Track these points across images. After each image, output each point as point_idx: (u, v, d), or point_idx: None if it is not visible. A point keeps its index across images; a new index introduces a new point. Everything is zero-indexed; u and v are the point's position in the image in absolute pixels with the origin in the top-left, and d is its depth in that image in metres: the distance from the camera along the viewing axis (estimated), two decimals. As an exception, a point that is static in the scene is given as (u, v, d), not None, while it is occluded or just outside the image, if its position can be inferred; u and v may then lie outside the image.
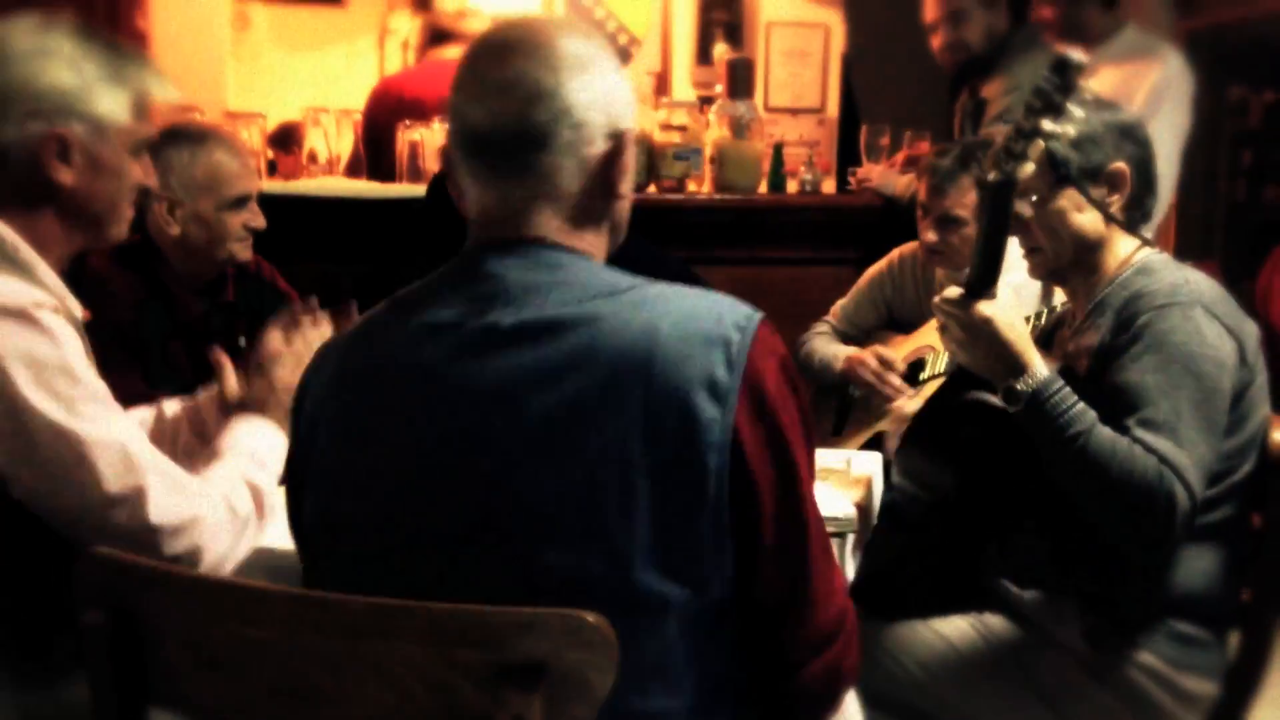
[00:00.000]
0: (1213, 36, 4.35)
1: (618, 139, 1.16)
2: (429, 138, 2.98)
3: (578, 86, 1.12)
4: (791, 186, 3.52)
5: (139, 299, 2.18)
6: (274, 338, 1.74)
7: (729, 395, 1.03)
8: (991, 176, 1.59)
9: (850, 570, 1.88)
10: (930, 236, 2.55)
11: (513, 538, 1.04)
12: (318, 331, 1.75)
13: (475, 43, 1.18)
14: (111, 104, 1.45)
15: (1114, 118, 1.76)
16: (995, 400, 1.67)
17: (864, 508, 1.99)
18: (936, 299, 1.71)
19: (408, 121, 3.01)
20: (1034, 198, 1.72)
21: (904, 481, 1.87)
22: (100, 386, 1.40)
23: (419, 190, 2.79)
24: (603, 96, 1.14)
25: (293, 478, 1.24)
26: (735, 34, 4.77)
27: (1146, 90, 3.09)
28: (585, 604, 0.95)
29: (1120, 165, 1.73)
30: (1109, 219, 1.74)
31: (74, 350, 1.38)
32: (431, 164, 2.97)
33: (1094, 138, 1.71)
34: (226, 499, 1.46)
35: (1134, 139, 1.76)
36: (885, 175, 3.29)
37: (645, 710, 1.06)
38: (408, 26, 5.19)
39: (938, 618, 1.82)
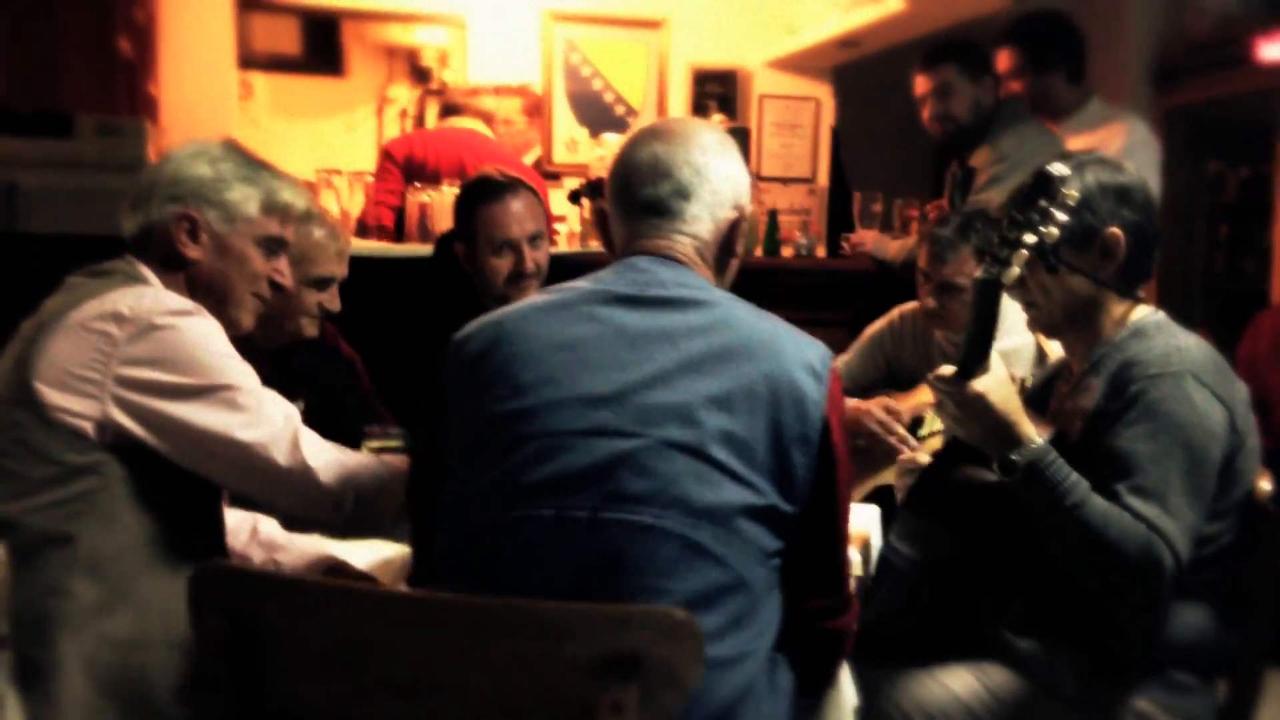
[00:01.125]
0: (1190, 114, 4.48)
1: (740, 210, 1.54)
2: (438, 199, 3.07)
3: (717, 164, 1.51)
4: (785, 252, 3.61)
5: None
6: None
7: (823, 382, 1.40)
8: (979, 275, 1.67)
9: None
10: (930, 302, 2.63)
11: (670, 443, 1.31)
12: None
13: (640, 131, 1.56)
14: (240, 196, 1.72)
15: (1112, 179, 1.81)
16: (989, 474, 1.72)
17: (864, 558, 2.04)
18: (931, 376, 1.76)
19: (418, 184, 3.10)
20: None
21: (903, 544, 1.92)
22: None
23: (426, 249, 2.87)
24: (733, 177, 1.53)
25: (431, 445, 1.45)
26: (728, 106, 4.89)
27: (1114, 155, 3.22)
28: (719, 523, 1.28)
29: (1115, 231, 1.78)
30: (1100, 284, 1.81)
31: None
32: (440, 224, 3.05)
33: (1090, 203, 1.77)
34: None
35: (1131, 202, 1.81)
36: (879, 240, 3.40)
37: (742, 650, 1.29)
38: (406, 96, 5.33)
39: (939, 667, 1.87)
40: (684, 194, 1.48)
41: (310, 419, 1.76)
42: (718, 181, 1.49)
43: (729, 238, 1.52)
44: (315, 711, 1.12)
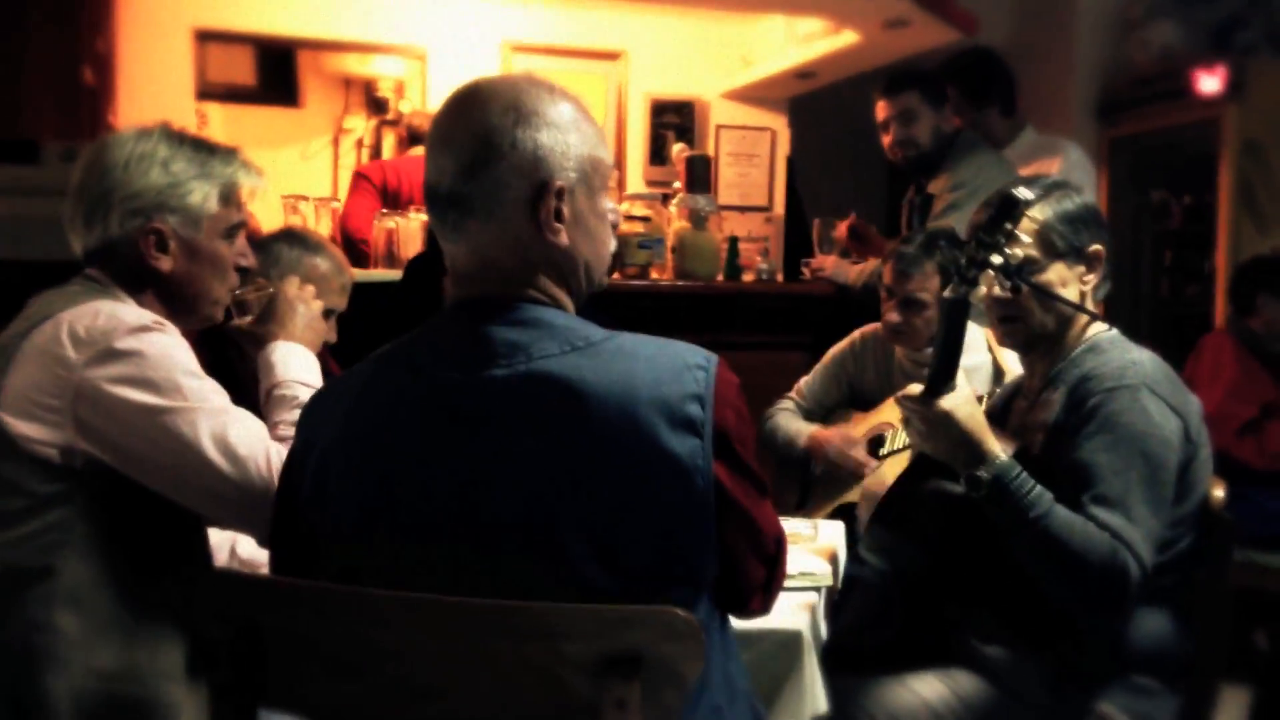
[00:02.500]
0: (1134, 144, 4.60)
1: (576, 177, 1.25)
2: (404, 226, 3.09)
3: (523, 140, 1.21)
4: (746, 277, 3.67)
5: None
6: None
7: (704, 426, 1.17)
8: (948, 294, 1.72)
9: (824, 628, 1.96)
10: (894, 318, 2.69)
11: (540, 562, 1.14)
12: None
13: (438, 110, 1.29)
14: (200, 196, 1.64)
15: (1089, 201, 1.90)
16: (956, 488, 1.77)
17: (833, 569, 2.08)
18: (899, 395, 1.80)
19: (384, 210, 3.12)
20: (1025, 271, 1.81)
21: (873, 557, 1.97)
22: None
23: (394, 274, 2.89)
24: (550, 142, 1.23)
25: (294, 522, 1.27)
26: (686, 136, 4.96)
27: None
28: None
29: (1098, 248, 1.87)
30: (1077, 308, 1.86)
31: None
32: (407, 250, 3.08)
33: (1084, 218, 1.85)
34: None
35: (1102, 223, 1.91)
36: (838, 265, 3.47)
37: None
38: (362, 127, 5.35)
39: (909, 674, 1.90)
40: (479, 169, 1.20)
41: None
42: (526, 155, 1.20)
43: (554, 221, 1.22)
44: (323, 716, 1.13)
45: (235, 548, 1.85)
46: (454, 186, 1.21)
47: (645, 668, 1.04)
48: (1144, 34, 4.44)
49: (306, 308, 1.89)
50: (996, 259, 1.68)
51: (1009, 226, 1.68)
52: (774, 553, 1.32)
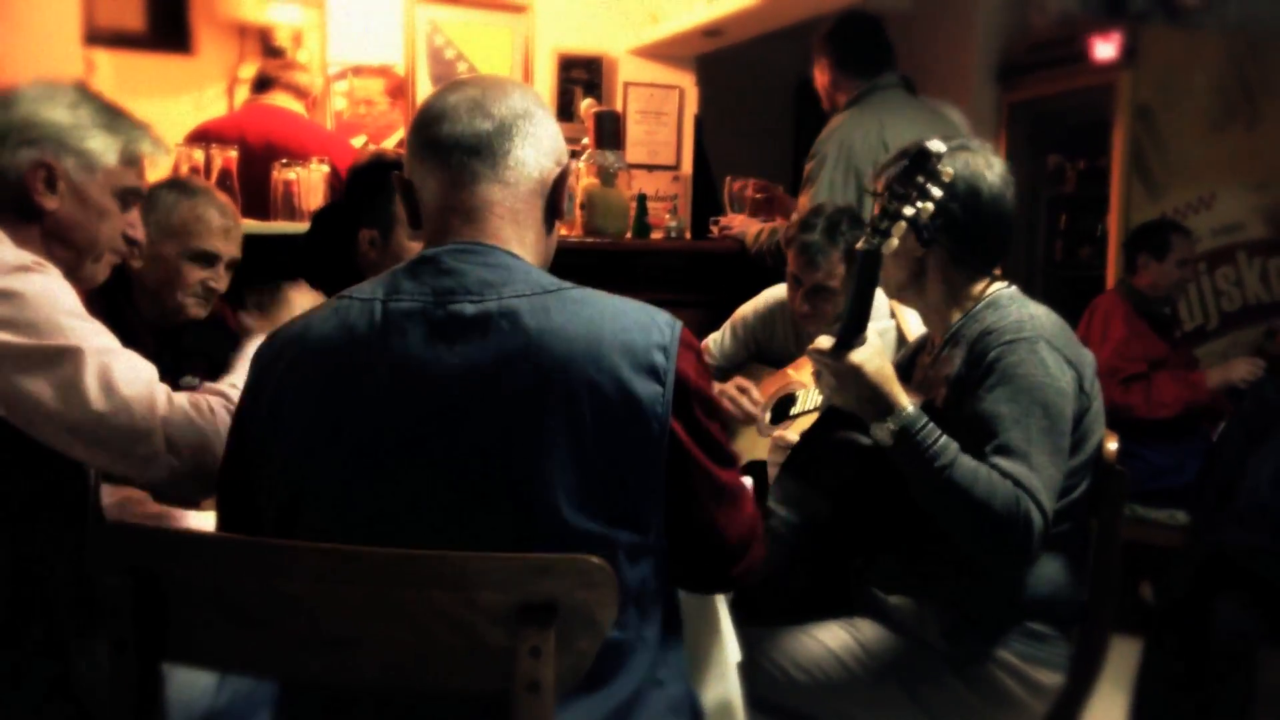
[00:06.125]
0: (1032, 109, 4.71)
1: (563, 166, 1.39)
2: (304, 176, 3.01)
3: (540, 115, 1.36)
4: (655, 235, 3.67)
5: None
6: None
7: (666, 375, 1.22)
8: (860, 246, 1.74)
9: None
10: (804, 308, 2.68)
11: (496, 499, 1.17)
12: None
13: (444, 86, 1.38)
14: (101, 145, 1.60)
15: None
16: (865, 438, 1.81)
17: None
18: (811, 347, 1.81)
19: (284, 160, 3.04)
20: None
21: (781, 508, 1.99)
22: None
23: (297, 226, 2.82)
24: (554, 131, 1.38)
25: (242, 464, 1.28)
26: (594, 93, 4.91)
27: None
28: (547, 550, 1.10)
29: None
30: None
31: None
32: (309, 201, 3.00)
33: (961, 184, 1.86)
34: None
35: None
36: (746, 224, 3.48)
37: (624, 639, 1.21)
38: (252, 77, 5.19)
39: (814, 624, 1.95)
40: (507, 133, 1.31)
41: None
42: (541, 131, 1.35)
43: (553, 194, 1.37)
44: (226, 669, 1.11)
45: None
46: (484, 142, 1.30)
47: (560, 616, 1.04)
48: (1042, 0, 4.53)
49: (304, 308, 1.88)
50: (908, 210, 1.69)
51: (920, 179, 1.69)
52: (750, 523, 1.36)
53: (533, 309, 1.21)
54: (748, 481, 2.34)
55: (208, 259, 2.19)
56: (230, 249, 2.23)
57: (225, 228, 2.22)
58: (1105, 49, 4.22)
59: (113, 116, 1.64)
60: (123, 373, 1.47)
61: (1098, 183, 4.45)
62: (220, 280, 2.22)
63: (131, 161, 1.65)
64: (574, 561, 1.05)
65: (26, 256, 1.50)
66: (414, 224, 1.37)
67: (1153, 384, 3.63)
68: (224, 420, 1.52)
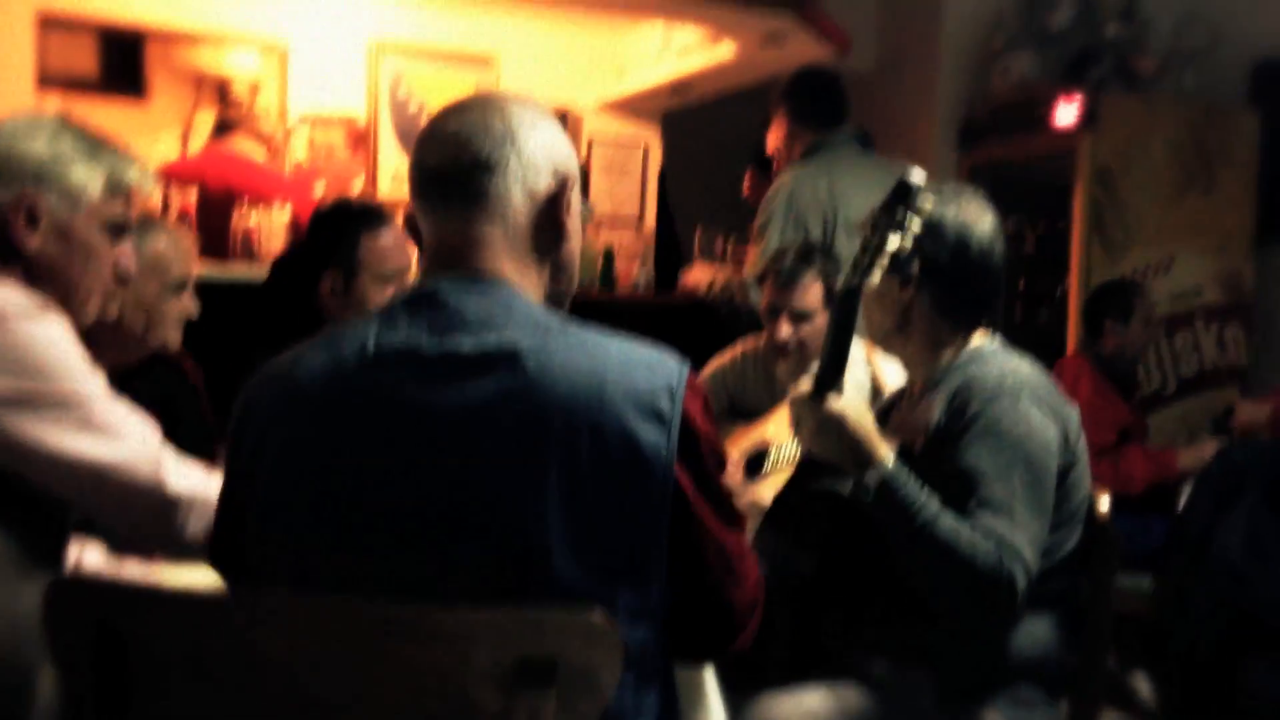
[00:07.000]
0: (992, 171, 4.74)
1: (563, 179, 1.27)
2: (265, 220, 2.94)
3: (526, 130, 1.25)
4: (621, 288, 3.63)
5: None
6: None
7: (671, 419, 1.13)
8: (840, 285, 1.70)
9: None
10: (784, 332, 2.66)
11: (487, 548, 1.08)
12: None
13: (439, 110, 1.30)
14: (84, 177, 1.53)
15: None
16: (845, 489, 1.75)
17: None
18: (790, 395, 1.77)
19: (245, 203, 2.97)
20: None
21: (761, 565, 1.93)
22: None
23: (257, 271, 2.74)
24: (547, 141, 1.27)
25: (230, 502, 1.22)
26: (558, 146, 4.90)
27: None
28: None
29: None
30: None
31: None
32: (270, 246, 2.93)
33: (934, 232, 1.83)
34: None
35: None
36: (702, 272, 3.50)
37: (622, 709, 1.11)
38: (212, 123, 5.12)
39: (797, 688, 1.87)
40: (487, 167, 1.21)
41: None
42: (530, 148, 1.23)
43: (552, 213, 1.25)
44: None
45: (81, 559, 1.71)
46: (465, 172, 1.22)
47: (561, 676, 0.97)
48: (1004, 64, 4.59)
49: None
50: (891, 244, 1.66)
51: (901, 214, 1.66)
52: (755, 591, 1.28)
53: (533, 348, 1.13)
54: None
55: (182, 286, 2.16)
56: (195, 268, 2.20)
57: (187, 249, 2.19)
58: (1067, 113, 4.27)
59: (96, 146, 1.57)
60: (130, 425, 1.47)
61: (1057, 245, 4.48)
62: (192, 304, 2.18)
63: (118, 191, 1.58)
64: (576, 616, 0.98)
65: (26, 300, 1.46)
66: (420, 251, 1.30)
67: (1122, 457, 3.62)
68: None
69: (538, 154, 1.24)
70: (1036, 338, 4.64)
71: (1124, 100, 4.40)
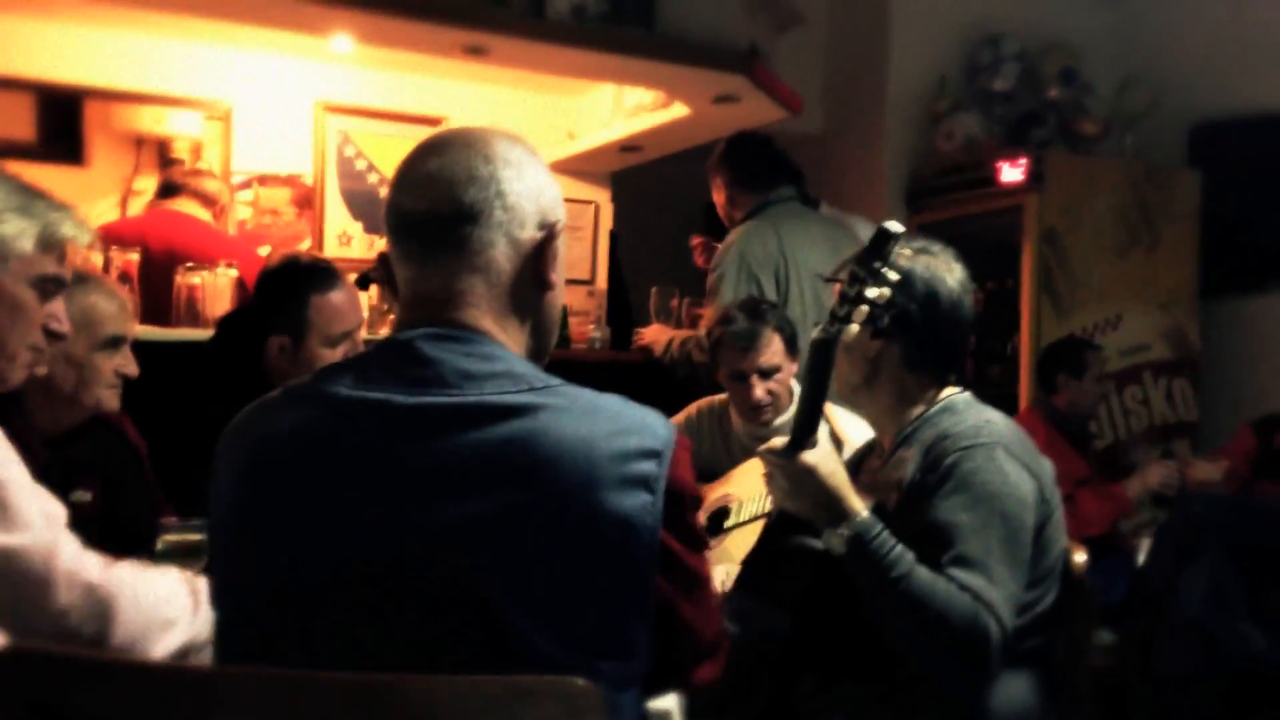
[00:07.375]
0: (941, 231, 4.74)
1: (549, 228, 1.20)
2: (210, 281, 2.86)
3: (511, 175, 1.17)
4: (576, 347, 3.59)
5: None
6: None
7: (657, 483, 1.08)
8: (816, 334, 1.67)
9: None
10: (759, 393, 2.63)
11: (461, 622, 1.01)
12: None
13: (418, 144, 1.21)
14: (14, 230, 1.43)
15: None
16: (818, 544, 1.71)
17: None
18: (762, 449, 1.73)
19: (189, 265, 2.88)
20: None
21: (734, 626, 1.87)
22: None
23: (200, 333, 2.66)
24: (534, 187, 1.19)
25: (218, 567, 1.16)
26: (507, 207, 4.87)
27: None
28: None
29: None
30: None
31: None
32: (214, 307, 2.84)
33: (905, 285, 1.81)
34: None
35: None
36: (658, 333, 3.49)
37: None
38: (153, 186, 5.03)
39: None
40: (470, 216, 1.14)
41: (94, 510, 1.52)
42: (514, 195, 1.16)
43: (536, 265, 1.19)
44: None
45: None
46: (447, 221, 1.15)
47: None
48: (949, 125, 4.65)
49: None
50: (870, 293, 1.62)
51: (879, 263, 1.63)
52: (719, 616, 1.23)
53: (516, 407, 1.06)
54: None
55: (116, 343, 2.08)
56: (132, 327, 2.13)
57: (122, 305, 2.12)
58: (1012, 173, 4.33)
59: (29, 199, 1.47)
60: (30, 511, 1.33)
61: (1006, 303, 4.52)
62: (130, 363, 2.10)
63: (50, 247, 1.48)
64: (557, 685, 0.92)
65: None
66: (395, 297, 1.23)
67: (1077, 502, 3.63)
68: (133, 587, 1.39)
69: (524, 202, 1.17)
70: (989, 394, 4.62)
71: (1068, 160, 4.48)
